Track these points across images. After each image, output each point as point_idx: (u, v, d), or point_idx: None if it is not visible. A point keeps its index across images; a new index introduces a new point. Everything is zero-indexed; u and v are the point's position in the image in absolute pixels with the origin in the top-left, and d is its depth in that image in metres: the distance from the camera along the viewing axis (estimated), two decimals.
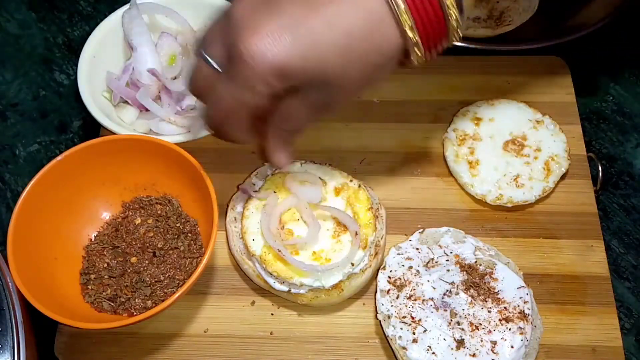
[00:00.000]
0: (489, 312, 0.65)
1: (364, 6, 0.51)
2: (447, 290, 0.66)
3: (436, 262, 0.68)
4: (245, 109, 0.56)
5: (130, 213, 0.73)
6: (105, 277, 0.69)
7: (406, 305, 0.66)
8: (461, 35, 0.55)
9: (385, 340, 0.66)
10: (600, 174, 0.77)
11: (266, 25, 0.51)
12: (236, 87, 0.53)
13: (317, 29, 0.51)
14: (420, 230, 0.71)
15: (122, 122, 0.78)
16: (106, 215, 0.73)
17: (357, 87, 0.57)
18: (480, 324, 0.64)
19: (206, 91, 0.58)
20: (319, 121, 0.60)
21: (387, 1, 0.51)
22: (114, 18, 0.82)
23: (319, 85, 0.54)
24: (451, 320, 0.64)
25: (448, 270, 0.67)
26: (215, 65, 0.55)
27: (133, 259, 0.70)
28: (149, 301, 0.67)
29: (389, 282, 0.67)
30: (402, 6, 0.51)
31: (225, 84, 0.55)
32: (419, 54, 0.55)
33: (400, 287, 0.67)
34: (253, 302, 0.70)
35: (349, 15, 0.51)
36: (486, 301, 0.65)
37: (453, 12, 0.53)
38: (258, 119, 0.58)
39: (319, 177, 0.72)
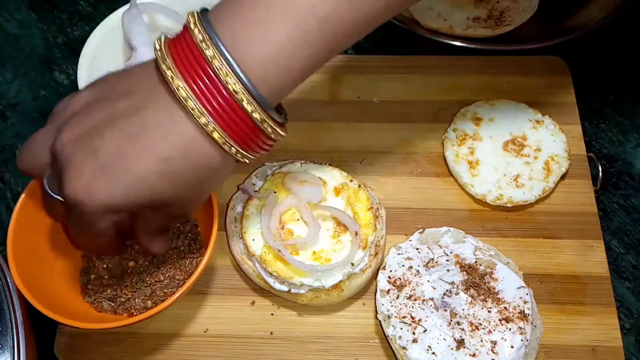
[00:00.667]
0: (489, 312, 0.65)
1: (174, 131, 0.51)
2: (447, 290, 0.66)
3: (436, 262, 0.68)
4: (100, 238, 0.58)
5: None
6: (105, 277, 0.69)
7: (406, 305, 0.66)
8: (282, 135, 0.55)
9: (385, 340, 0.66)
10: (600, 174, 0.77)
11: (87, 166, 0.52)
12: (81, 224, 0.55)
13: (133, 162, 0.51)
14: (420, 230, 0.71)
15: None
16: None
17: (196, 198, 0.58)
18: (480, 324, 0.64)
19: (65, 219, 0.59)
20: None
21: (195, 123, 0.51)
22: (114, 18, 0.82)
23: (155, 207, 0.55)
24: (451, 320, 0.64)
25: (448, 270, 0.67)
26: (60, 198, 0.55)
27: (133, 259, 0.70)
28: (149, 301, 0.67)
29: (389, 282, 0.67)
30: (211, 126, 0.51)
31: (72, 220, 0.56)
32: (246, 158, 0.55)
33: (400, 287, 0.67)
34: (253, 302, 0.70)
35: (162, 143, 0.51)
36: (486, 301, 0.65)
37: (267, 126, 0.53)
38: (120, 232, 0.60)
39: (319, 177, 0.72)
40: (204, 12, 0.53)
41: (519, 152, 0.77)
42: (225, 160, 0.54)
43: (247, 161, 0.55)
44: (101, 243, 0.61)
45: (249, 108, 0.51)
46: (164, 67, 0.51)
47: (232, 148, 0.53)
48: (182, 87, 0.50)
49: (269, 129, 0.53)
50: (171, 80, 0.50)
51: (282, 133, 0.55)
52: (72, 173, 0.52)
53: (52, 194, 0.56)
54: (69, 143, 0.53)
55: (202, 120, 0.51)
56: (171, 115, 0.51)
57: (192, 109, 0.50)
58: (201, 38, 0.50)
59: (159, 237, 0.63)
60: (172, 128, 0.51)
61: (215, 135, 0.51)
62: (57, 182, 0.55)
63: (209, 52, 0.50)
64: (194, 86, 0.50)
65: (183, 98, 0.50)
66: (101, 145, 0.52)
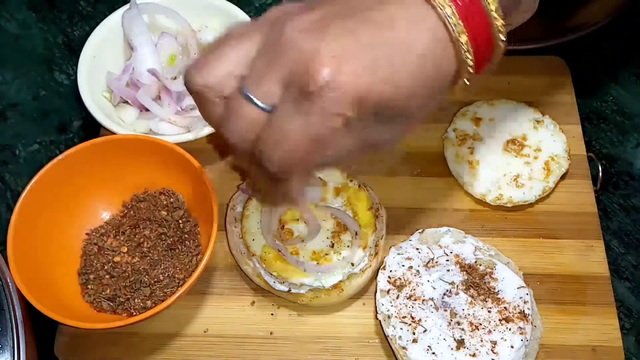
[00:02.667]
0: (489, 312, 0.65)
1: (426, 27, 0.48)
2: (447, 290, 0.66)
3: (436, 262, 0.68)
4: (315, 144, 0.49)
5: (130, 213, 0.73)
6: (105, 277, 0.69)
7: (406, 305, 0.66)
8: (500, 55, 0.53)
9: (385, 340, 0.66)
10: (600, 174, 0.77)
11: (341, 48, 0.46)
12: (309, 120, 0.47)
13: (393, 49, 0.47)
14: (420, 230, 0.71)
15: (122, 122, 0.78)
16: (106, 215, 0.73)
17: (415, 120, 0.53)
18: (480, 324, 0.64)
19: (256, 136, 0.50)
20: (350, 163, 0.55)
21: (444, 21, 0.48)
22: (114, 18, 0.82)
23: (384, 115, 0.50)
24: (451, 320, 0.64)
25: (448, 270, 0.67)
26: (265, 107, 0.48)
27: (132, 259, 0.70)
28: (149, 301, 0.67)
29: (389, 282, 0.67)
30: (460, 25, 0.48)
31: (293, 119, 0.48)
32: (470, 77, 0.52)
33: (400, 287, 0.67)
34: (253, 302, 0.70)
35: (419, 35, 0.48)
36: (486, 301, 0.65)
37: (500, 35, 0.51)
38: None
39: (319, 177, 0.72)
40: None
41: (519, 152, 0.77)
42: (453, 75, 0.51)
43: (463, 84, 0.52)
44: (304, 158, 0.50)
45: (493, 11, 0.49)
46: None
47: (470, 57, 0.50)
48: None
49: (501, 45, 0.51)
50: None
51: (501, 53, 0.53)
52: (320, 58, 0.46)
53: (257, 101, 0.48)
54: (304, 34, 0.47)
55: (452, 20, 0.48)
56: (420, 12, 0.48)
57: (442, 6, 0.48)
58: None
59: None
60: (424, 24, 0.48)
61: (463, 38, 0.49)
62: (277, 82, 0.48)
63: None
64: None
65: None
66: (348, 31, 0.47)
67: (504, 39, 0.52)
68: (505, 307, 0.65)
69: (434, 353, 0.63)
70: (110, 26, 0.82)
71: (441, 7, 0.48)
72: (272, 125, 0.49)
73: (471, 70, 0.51)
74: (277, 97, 0.48)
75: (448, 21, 0.48)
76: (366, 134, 0.51)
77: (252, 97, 0.48)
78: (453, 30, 0.49)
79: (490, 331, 0.64)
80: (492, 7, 0.50)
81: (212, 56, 0.50)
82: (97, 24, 0.82)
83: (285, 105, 0.48)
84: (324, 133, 0.48)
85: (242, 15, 0.82)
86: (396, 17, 0.48)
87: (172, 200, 0.73)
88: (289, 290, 0.67)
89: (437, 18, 0.48)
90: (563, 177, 0.76)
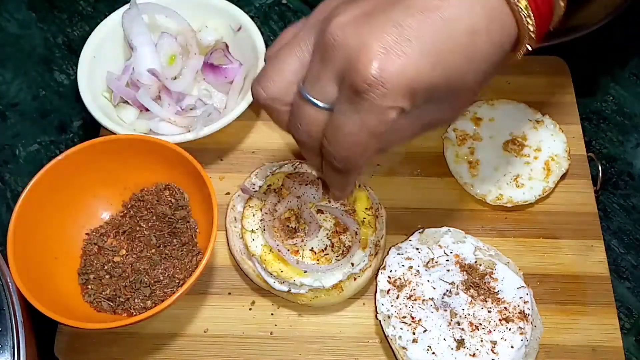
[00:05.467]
0: (489, 312, 0.65)
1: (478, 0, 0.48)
2: (447, 290, 0.66)
3: (436, 262, 0.68)
4: (374, 138, 0.50)
5: (130, 213, 0.73)
6: (105, 277, 0.69)
7: (406, 305, 0.66)
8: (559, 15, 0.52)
9: (385, 340, 0.66)
10: (600, 174, 0.77)
11: (386, 40, 0.46)
12: (365, 117, 0.48)
13: (439, 32, 0.47)
14: (420, 230, 0.71)
15: (122, 122, 0.78)
16: (106, 215, 0.73)
17: (473, 94, 0.52)
18: (480, 324, 0.64)
19: (320, 135, 0.52)
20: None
21: None
22: (114, 18, 0.82)
23: (440, 96, 0.50)
24: (451, 320, 0.64)
25: (448, 270, 0.67)
26: (326, 106, 0.50)
27: (132, 259, 0.70)
28: (149, 301, 0.67)
29: (389, 282, 0.67)
30: None
31: (349, 117, 0.49)
32: (532, 43, 0.51)
33: (400, 287, 0.67)
34: (253, 302, 0.70)
35: (468, 11, 0.47)
36: (486, 301, 0.65)
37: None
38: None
39: (319, 177, 0.72)
40: None
41: (519, 152, 0.77)
42: (512, 44, 0.50)
43: (524, 52, 0.51)
44: (363, 151, 0.51)
45: None
46: None
47: (531, 23, 0.49)
48: None
49: (561, 8, 0.50)
50: None
51: (560, 13, 0.51)
52: (368, 53, 0.46)
53: (316, 101, 0.50)
54: (347, 30, 0.47)
55: None
56: None
57: None
58: None
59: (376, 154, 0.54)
60: None
61: (522, 3, 0.48)
62: (331, 80, 0.49)
63: None
64: None
65: None
66: (391, 21, 0.46)
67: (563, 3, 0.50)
68: (505, 307, 0.65)
69: (434, 353, 0.63)
70: (110, 26, 0.82)
71: None
72: (332, 125, 0.50)
73: (533, 36, 0.50)
74: (334, 95, 0.49)
75: None
76: (424, 116, 0.51)
77: (311, 98, 0.50)
78: None
79: (490, 331, 0.64)
80: None
81: (271, 69, 0.53)
82: (97, 24, 0.82)
83: (341, 103, 0.49)
84: (380, 128, 0.49)
85: (242, 16, 0.82)
86: None
87: (177, 197, 0.72)
88: (289, 290, 0.67)
89: None
90: (563, 177, 0.76)
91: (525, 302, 0.65)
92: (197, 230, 0.71)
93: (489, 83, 0.53)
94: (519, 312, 0.64)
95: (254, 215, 0.70)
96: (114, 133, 0.74)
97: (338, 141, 0.51)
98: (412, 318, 0.65)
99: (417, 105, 0.48)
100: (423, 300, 0.66)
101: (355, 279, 0.68)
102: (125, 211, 0.73)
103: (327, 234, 0.69)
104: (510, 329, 0.63)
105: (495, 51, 0.49)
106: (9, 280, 0.63)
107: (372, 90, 0.46)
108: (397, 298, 0.66)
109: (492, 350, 0.62)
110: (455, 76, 0.48)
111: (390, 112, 0.48)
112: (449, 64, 0.48)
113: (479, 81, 0.51)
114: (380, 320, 0.66)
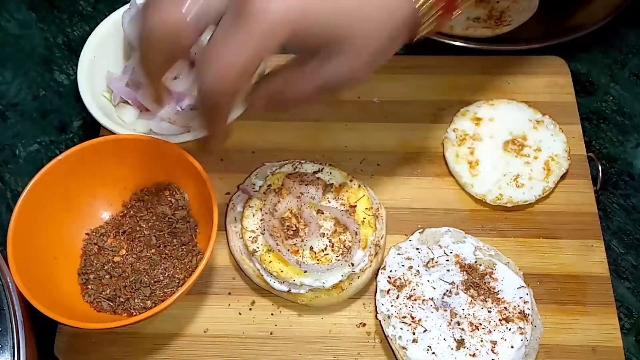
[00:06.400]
0: (489, 312, 0.65)
1: None
2: (447, 290, 0.66)
3: (436, 262, 0.68)
4: (246, 69, 0.49)
5: (130, 213, 0.73)
6: (105, 277, 0.69)
7: (406, 305, 0.66)
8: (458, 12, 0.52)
9: (385, 340, 0.66)
10: (600, 174, 0.77)
11: None
12: (243, 39, 0.47)
13: None
14: (420, 230, 0.71)
15: (122, 122, 0.78)
16: (106, 215, 0.73)
17: (370, 57, 0.51)
18: (480, 324, 0.64)
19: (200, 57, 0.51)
20: (316, 101, 0.54)
21: None
22: (114, 18, 0.82)
23: (334, 44, 0.49)
24: (451, 320, 0.64)
25: (448, 270, 0.67)
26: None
27: (132, 259, 0.70)
28: (149, 301, 0.67)
29: (389, 282, 0.67)
30: None
31: (228, 36, 0.48)
32: (427, 23, 0.51)
33: (400, 287, 0.67)
34: (253, 302, 0.70)
35: None
36: (486, 301, 0.65)
37: None
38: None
39: (319, 177, 0.72)
40: None
41: (519, 152, 0.77)
42: (409, 19, 0.50)
43: (422, 32, 0.51)
44: (230, 82, 0.50)
45: None
46: None
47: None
48: None
49: None
50: None
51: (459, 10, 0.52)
52: None
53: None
54: None
55: None
56: None
57: None
58: None
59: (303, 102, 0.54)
60: None
61: None
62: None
63: None
64: None
65: None
66: None
67: None
68: (505, 307, 0.65)
69: (434, 353, 0.63)
70: (110, 26, 0.82)
71: None
72: (208, 45, 0.49)
73: (427, 16, 0.50)
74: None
75: None
76: (319, 70, 0.50)
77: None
78: None
79: (490, 331, 0.64)
80: None
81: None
82: (97, 24, 0.82)
83: (223, 25, 0.48)
84: (255, 56, 0.47)
85: None
86: None
87: (177, 197, 0.72)
88: (289, 290, 0.67)
89: None
90: (563, 177, 0.76)
91: (525, 302, 0.65)
92: (197, 230, 0.71)
93: (398, 49, 0.51)
94: (519, 312, 0.64)
95: (254, 215, 0.70)
96: (114, 133, 0.74)
97: (210, 63, 0.49)
98: (412, 318, 0.65)
99: (303, 44, 0.48)
100: (423, 300, 0.66)
101: (355, 279, 0.68)
102: (125, 211, 0.73)
103: (327, 234, 0.69)
104: (510, 329, 0.63)
105: (390, 20, 0.49)
106: (9, 280, 0.63)
107: (256, 16, 0.46)
108: (397, 298, 0.66)
109: (492, 350, 0.62)
110: (347, 20, 0.48)
111: (269, 40, 0.47)
112: (341, 4, 0.47)
113: (370, 36, 0.50)
114: (380, 320, 0.66)
